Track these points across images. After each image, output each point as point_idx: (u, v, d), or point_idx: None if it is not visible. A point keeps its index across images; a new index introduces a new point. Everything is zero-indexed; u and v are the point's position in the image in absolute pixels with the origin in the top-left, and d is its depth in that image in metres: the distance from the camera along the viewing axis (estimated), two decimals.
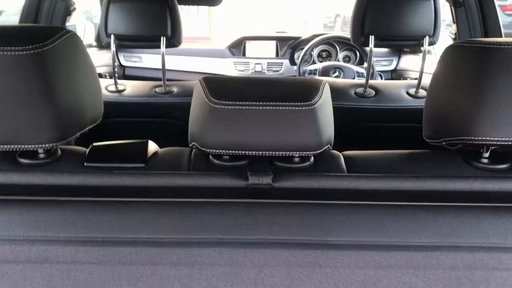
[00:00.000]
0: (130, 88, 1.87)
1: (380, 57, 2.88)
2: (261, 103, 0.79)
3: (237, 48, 3.00)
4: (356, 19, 1.67)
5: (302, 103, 0.78)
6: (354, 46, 2.86)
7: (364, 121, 1.78)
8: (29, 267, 0.69)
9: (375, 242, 0.70)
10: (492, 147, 0.85)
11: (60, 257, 0.69)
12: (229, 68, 2.92)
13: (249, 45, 3.00)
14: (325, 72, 2.62)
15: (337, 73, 2.62)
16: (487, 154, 0.86)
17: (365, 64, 2.88)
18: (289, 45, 2.98)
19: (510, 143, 0.77)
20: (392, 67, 2.92)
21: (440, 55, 0.91)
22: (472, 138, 0.80)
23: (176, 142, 1.13)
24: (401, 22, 1.62)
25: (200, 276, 0.69)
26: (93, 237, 0.69)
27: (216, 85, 0.84)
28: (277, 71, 2.94)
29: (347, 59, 2.99)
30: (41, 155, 0.86)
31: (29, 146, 0.78)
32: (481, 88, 0.79)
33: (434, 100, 0.91)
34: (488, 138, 0.78)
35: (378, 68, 2.83)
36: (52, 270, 0.69)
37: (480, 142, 0.79)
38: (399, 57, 2.91)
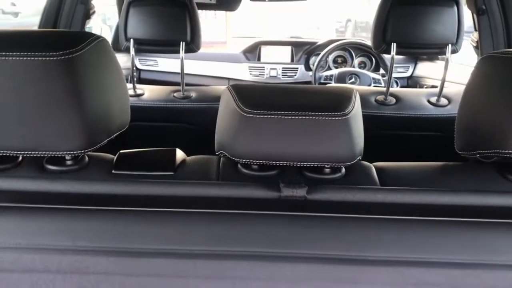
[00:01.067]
0: (148, 92, 1.86)
1: (396, 64, 2.85)
2: (293, 112, 0.77)
3: (252, 53, 3.00)
4: (377, 26, 1.65)
5: (336, 113, 0.77)
6: (370, 52, 2.85)
7: (385, 129, 1.76)
8: (60, 278, 0.68)
9: (413, 259, 0.68)
10: None
11: (91, 267, 0.67)
12: (244, 72, 2.92)
13: (264, 50, 2.99)
14: (341, 78, 2.60)
15: (353, 79, 2.60)
16: None
17: (381, 71, 2.86)
18: (304, 50, 2.97)
19: None
20: (408, 74, 2.90)
21: (474, 65, 0.89)
22: (508, 151, 0.78)
23: (194, 147, 1.12)
24: (424, 29, 1.60)
25: None
26: (123, 247, 0.68)
27: (247, 93, 0.82)
28: (292, 76, 2.93)
29: (362, 65, 2.97)
30: (69, 162, 0.85)
31: (57, 152, 0.78)
32: None
33: (467, 111, 0.89)
34: None
35: (394, 74, 2.80)
36: (82, 281, 0.67)
37: None
38: (416, 64, 2.89)
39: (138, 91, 1.84)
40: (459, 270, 0.67)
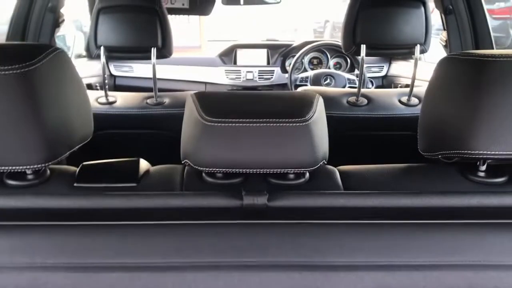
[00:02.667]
0: (121, 99, 1.84)
1: (370, 64, 2.89)
2: (254, 119, 0.77)
3: (228, 56, 2.99)
4: (347, 28, 1.66)
5: (296, 119, 0.77)
6: (345, 54, 2.87)
7: (356, 130, 1.77)
8: None
9: (374, 263, 0.68)
10: (489, 161, 0.84)
11: (49, 285, 0.66)
12: (220, 76, 2.91)
13: (240, 53, 2.99)
14: (317, 79, 2.62)
15: (328, 81, 2.62)
16: (483, 168, 0.85)
17: (356, 71, 2.88)
18: (280, 53, 2.97)
19: (507, 156, 0.77)
20: (383, 74, 2.93)
21: (435, 66, 0.90)
22: (469, 152, 0.79)
23: (168, 153, 1.11)
24: (392, 30, 1.62)
25: None
26: (83, 263, 0.67)
27: (209, 101, 0.82)
28: (269, 79, 2.93)
29: (338, 66, 2.99)
30: (30, 176, 0.84)
31: (17, 167, 0.76)
32: (477, 101, 0.78)
33: (429, 113, 0.91)
34: (485, 152, 0.78)
35: (369, 74, 2.83)
36: None
37: (477, 156, 0.79)
38: (390, 64, 2.92)
39: (111, 99, 1.83)
40: (420, 272, 0.68)
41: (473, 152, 0.78)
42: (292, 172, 0.84)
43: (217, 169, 0.81)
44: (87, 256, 0.68)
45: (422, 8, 1.62)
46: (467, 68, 0.82)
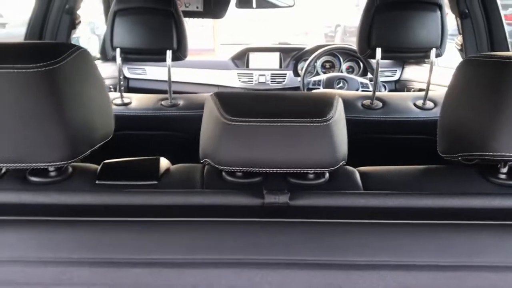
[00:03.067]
0: (136, 101, 1.86)
1: (383, 68, 2.88)
2: (275, 119, 0.78)
3: (241, 59, 3.00)
4: (362, 31, 1.66)
5: (317, 119, 0.77)
6: (358, 57, 2.87)
7: (371, 133, 1.77)
8: None
9: (396, 262, 0.68)
10: (510, 163, 0.83)
11: (74, 279, 0.67)
12: (233, 79, 2.92)
13: (252, 56, 3.00)
14: (329, 83, 2.62)
15: (341, 84, 2.62)
16: (505, 170, 0.85)
17: (369, 75, 2.88)
18: (292, 56, 2.98)
19: None
20: (395, 78, 2.92)
21: (455, 69, 0.90)
22: (490, 153, 0.79)
23: (182, 155, 1.12)
24: (408, 34, 1.61)
25: None
26: (107, 258, 0.68)
27: (229, 101, 0.83)
28: (281, 82, 2.94)
29: (350, 70, 2.98)
30: (52, 173, 0.85)
31: (40, 164, 0.77)
32: (498, 102, 0.78)
33: (449, 114, 0.90)
34: (507, 154, 0.77)
35: (381, 78, 2.83)
36: None
37: (498, 158, 0.78)
38: (403, 68, 2.91)
39: (126, 100, 1.84)
40: (441, 272, 0.68)
41: (494, 154, 0.78)
42: (312, 172, 0.84)
43: (237, 168, 0.81)
44: (110, 252, 0.68)
45: (438, 12, 1.62)
46: (487, 70, 0.81)
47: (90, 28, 4.48)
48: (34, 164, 0.77)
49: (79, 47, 0.80)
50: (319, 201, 0.77)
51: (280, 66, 3.00)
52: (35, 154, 0.76)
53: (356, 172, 0.92)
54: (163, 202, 0.77)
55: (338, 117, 0.81)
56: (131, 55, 1.79)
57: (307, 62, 2.78)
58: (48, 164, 0.77)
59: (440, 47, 1.65)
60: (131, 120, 1.80)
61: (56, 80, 0.74)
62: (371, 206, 0.77)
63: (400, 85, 2.91)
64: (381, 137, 1.78)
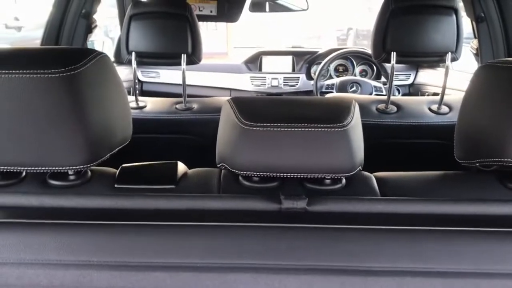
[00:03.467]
0: (151, 104, 1.87)
1: (397, 72, 2.86)
2: (292, 124, 0.78)
3: (254, 63, 3.01)
4: (377, 35, 1.66)
5: (335, 125, 0.77)
6: (371, 60, 2.86)
7: (386, 138, 1.76)
8: None
9: (413, 269, 0.68)
10: None
11: (94, 282, 0.68)
12: (245, 83, 2.93)
13: (265, 60, 3.01)
14: (343, 87, 2.61)
15: (354, 88, 2.61)
16: None
17: (383, 79, 2.87)
18: (305, 60, 2.98)
19: None
20: (409, 82, 2.90)
21: (473, 74, 0.89)
22: (509, 160, 0.78)
23: (196, 158, 1.12)
24: (423, 38, 1.61)
25: None
26: (126, 261, 0.69)
27: (247, 106, 0.83)
28: (294, 85, 2.94)
29: (364, 73, 2.98)
30: (71, 177, 0.86)
31: (60, 168, 0.78)
32: None
33: (467, 120, 0.90)
34: None
35: (395, 82, 2.81)
36: None
37: None
38: (417, 71, 2.90)
39: (140, 104, 1.85)
40: (460, 279, 0.67)
41: None
42: (329, 177, 0.84)
43: (254, 173, 0.81)
44: (129, 255, 0.69)
45: (454, 16, 1.60)
46: (506, 76, 0.81)
47: (104, 32, 4.53)
48: (53, 168, 0.78)
49: (100, 53, 0.81)
50: (337, 207, 0.77)
51: (293, 70, 3.01)
52: (55, 158, 0.77)
53: (372, 177, 0.92)
54: (181, 206, 0.77)
55: (355, 122, 0.81)
56: (146, 59, 1.80)
57: (320, 65, 2.78)
58: (67, 168, 0.78)
59: (455, 52, 1.64)
60: (146, 123, 1.81)
61: (77, 85, 0.75)
62: (388, 212, 0.77)
63: (414, 89, 2.89)
64: (395, 142, 1.77)
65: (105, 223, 0.72)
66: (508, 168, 0.82)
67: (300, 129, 0.78)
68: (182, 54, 1.74)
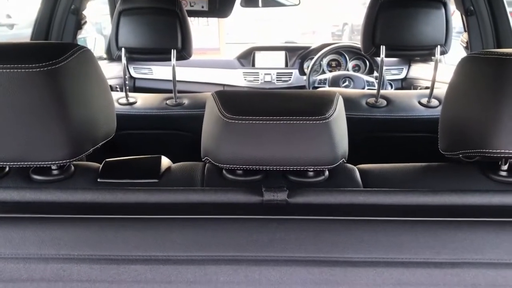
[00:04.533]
0: (141, 100, 1.87)
1: (390, 66, 2.87)
2: (275, 117, 0.78)
3: (247, 58, 3.01)
4: (366, 29, 1.66)
5: (316, 117, 0.78)
6: (364, 55, 2.86)
7: (376, 131, 1.77)
8: (44, 286, 0.68)
9: (393, 259, 0.68)
10: (511, 160, 0.83)
11: (74, 275, 0.68)
12: (238, 78, 2.93)
13: (258, 55, 3.00)
14: (335, 81, 2.61)
15: (347, 83, 2.61)
16: (505, 167, 0.84)
17: (375, 73, 2.87)
18: (298, 55, 2.98)
19: None
20: (402, 76, 2.91)
21: (456, 66, 0.90)
22: (490, 150, 0.78)
23: (188, 154, 1.12)
24: (412, 31, 1.61)
25: None
26: (107, 255, 0.69)
27: (229, 100, 0.83)
28: (287, 81, 2.94)
29: (356, 68, 2.98)
30: (55, 172, 0.86)
31: (43, 163, 0.78)
32: (499, 99, 0.78)
33: (450, 112, 0.90)
34: (507, 151, 0.77)
35: (388, 77, 2.81)
36: None
37: (499, 155, 0.78)
38: (409, 66, 2.90)
39: (131, 100, 1.85)
40: (439, 269, 0.67)
41: (495, 151, 0.78)
42: (311, 170, 0.84)
43: (237, 166, 0.82)
44: (110, 249, 0.69)
45: (443, 9, 1.61)
46: (488, 67, 0.81)
47: (96, 29, 4.51)
48: (36, 163, 0.78)
49: (82, 47, 0.81)
50: (318, 199, 0.77)
51: (286, 65, 3.01)
52: (38, 153, 0.77)
53: (355, 169, 0.92)
54: (164, 200, 0.77)
55: (338, 115, 0.81)
56: (136, 55, 1.80)
57: (313, 60, 2.78)
58: (50, 162, 0.78)
59: (445, 45, 1.64)
60: (136, 119, 1.81)
61: (59, 79, 0.75)
62: (370, 203, 0.77)
63: (406, 83, 2.90)
64: (385, 135, 1.77)
65: (86, 217, 0.72)
66: (489, 159, 0.82)
67: (282, 122, 0.78)
68: (172, 50, 1.73)
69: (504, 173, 0.84)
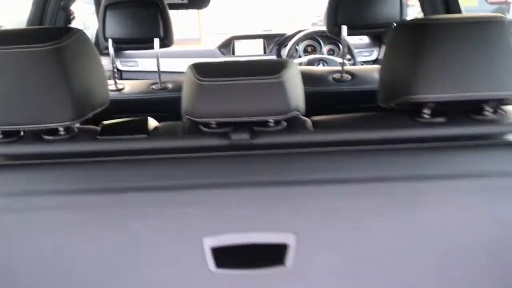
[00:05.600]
0: (129, 86, 2.04)
1: (361, 49, 3.06)
2: (239, 78, 0.97)
3: (227, 48, 3.19)
4: (330, 11, 1.85)
5: (272, 76, 0.96)
6: (337, 39, 3.05)
7: (342, 104, 1.96)
8: (61, 213, 0.88)
9: (331, 178, 0.89)
10: (430, 103, 1.02)
11: (86, 203, 0.88)
12: None
13: (237, 44, 3.19)
14: (310, 64, 2.79)
15: (321, 65, 2.80)
16: (427, 110, 1.03)
17: (348, 56, 3.06)
18: (275, 42, 3.17)
19: (443, 99, 0.96)
20: (373, 57, 3.10)
21: (390, 32, 1.10)
22: (414, 96, 0.98)
23: None
24: (370, 10, 1.80)
25: (198, 212, 0.91)
26: (109, 186, 0.89)
27: (203, 67, 1.02)
28: None
29: (331, 52, 3.17)
30: (61, 132, 1.04)
31: (51, 124, 0.96)
32: (419, 56, 0.97)
33: (385, 69, 1.10)
34: (427, 96, 0.97)
35: (360, 58, 3.01)
36: (81, 216, 0.88)
37: (421, 100, 0.97)
38: (380, 47, 3.09)
39: (119, 86, 2.02)
40: (368, 184, 0.89)
41: (417, 96, 0.97)
42: (271, 120, 1.03)
43: (210, 119, 1.00)
44: (110, 182, 0.89)
45: None
46: (411, 32, 1.01)
47: (82, 28, 4.61)
48: (46, 125, 0.96)
49: (78, 29, 1.00)
50: (276, 139, 0.97)
51: (265, 52, 3.19)
52: (47, 117, 0.95)
53: (309, 120, 1.11)
54: (152, 146, 0.97)
55: (291, 76, 1.00)
56: (122, 44, 1.97)
57: (289, 46, 2.97)
58: (58, 124, 0.96)
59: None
60: (124, 103, 1.98)
61: (62, 55, 0.93)
62: (318, 141, 0.97)
63: (378, 64, 3.09)
64: (351, 107, 1.96)
65: (89, 160, 0.91)
66: (414, 105, 1.01)
67: (245, 82, 0.97)
68: (155, 38, 1.91)
69: (426, 116, 1.04)
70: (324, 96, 1.92)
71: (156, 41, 1.91)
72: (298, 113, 1.03)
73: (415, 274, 0.94)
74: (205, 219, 0.91)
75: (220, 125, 1.04)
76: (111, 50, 1.94)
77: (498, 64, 0.95)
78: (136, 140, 1.01)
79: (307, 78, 1.81)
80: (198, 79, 0.98)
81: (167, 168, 0.91)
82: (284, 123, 1.06)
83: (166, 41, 1.95)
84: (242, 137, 0.97)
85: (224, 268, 0.93)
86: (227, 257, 0.93)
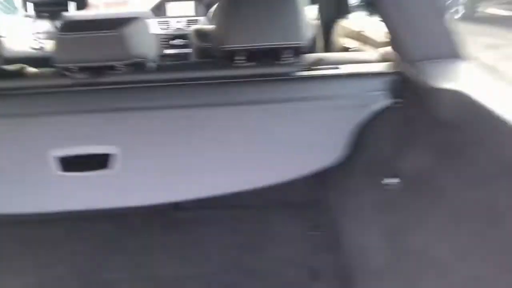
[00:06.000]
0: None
1: None
2: (91, 31, 1.26)
3: (160, 9, 3.43)
4: None
5: (113, 31, 1.25)
6: None
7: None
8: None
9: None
10: (241, 51, 1.32)
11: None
12: (153, 27, 3.34)
13: (169, 6, 3.43)
14: None
15: None
16: (238, 57, 1.34)
17: None
18: (204, 3, 3.42)
19: (247, 48, 1.27)
20: None
21: None
22: (223, 46, 1.28)
23: None
24: None
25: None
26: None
27: (67, 23, 1.31)
28: None
29: None
30: None
31: None
32: (228, 18, 1.29)
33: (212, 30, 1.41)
34: (234, 45, 1.28)
35: None
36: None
37: (229, 49, 1.28)
38: None
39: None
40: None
41: (225, 46, 1.28)
42: (117, 65, 1.34)
43: (70, 65, 1.30)
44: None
45: None
46: None
47: None
48: None
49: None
50: (115, 79, 1.28)
51: (196, 13, 3.44)
52: None
53: (154, 65, 1.42)
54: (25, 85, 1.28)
55: (131, 31, 1.29)
56: (42, 8, 2.22)
57: (213, 7, 3.21)
58: None
59: None
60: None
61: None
62: (153, 79, 1.30)
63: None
64: None
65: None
66: (231, 54, 1.32)
67: (92, 35, 1.26)
68: (69, 2, 2.16)
69: (237, 61, 1.33)
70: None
71: (71, 4, 2.16)
72: (141, 59, 1.33)
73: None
74: (51, 134, 1.25)
75: (81, 69, 1.33)
76: (31, 13, 2.19)
77: (292, 20, 1.27)
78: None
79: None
80: (59, 34, 1.27)
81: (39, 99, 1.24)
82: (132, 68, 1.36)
83: (81, 4, 2.20)
84: (83, 76, 1.26)
85: (66, 172, 1.25)
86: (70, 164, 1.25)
